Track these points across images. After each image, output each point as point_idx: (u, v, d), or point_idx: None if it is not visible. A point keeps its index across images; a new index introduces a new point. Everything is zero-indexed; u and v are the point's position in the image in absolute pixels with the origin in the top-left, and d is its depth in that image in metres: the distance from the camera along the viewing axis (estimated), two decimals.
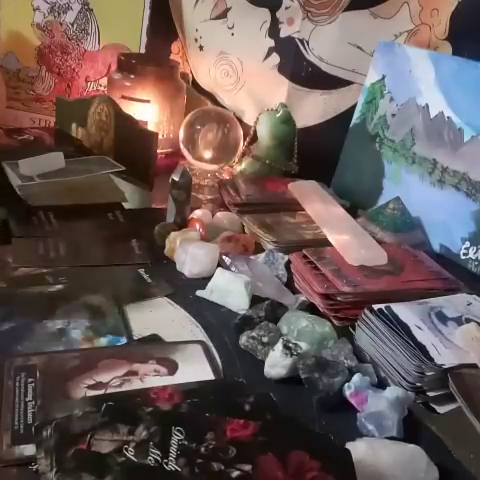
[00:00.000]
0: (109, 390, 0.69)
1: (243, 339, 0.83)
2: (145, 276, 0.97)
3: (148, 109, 1.39)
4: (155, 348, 0.79)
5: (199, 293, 0.93)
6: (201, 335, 0.84)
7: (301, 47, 1.39)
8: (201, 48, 1.52)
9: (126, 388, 0.70)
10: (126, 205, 1.17)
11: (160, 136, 1.29)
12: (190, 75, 1.58)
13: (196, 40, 1.52)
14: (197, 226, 1.07)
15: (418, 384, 0.75)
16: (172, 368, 0.75)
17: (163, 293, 0.93)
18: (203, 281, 0.95)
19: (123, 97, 1.37)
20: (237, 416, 0.59)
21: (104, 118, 1.30)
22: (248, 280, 0.92)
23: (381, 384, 0.77)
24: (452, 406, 0.74)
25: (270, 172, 1.33)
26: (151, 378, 0.73)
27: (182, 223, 1.08)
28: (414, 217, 1.19)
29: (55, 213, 1.09)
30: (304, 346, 0.78)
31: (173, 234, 1.03)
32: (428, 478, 0.63)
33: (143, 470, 0.53)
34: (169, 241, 1.03)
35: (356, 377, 0.75)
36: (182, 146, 1.36)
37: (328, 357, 0.78)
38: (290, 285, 0.99)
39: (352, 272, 0.95)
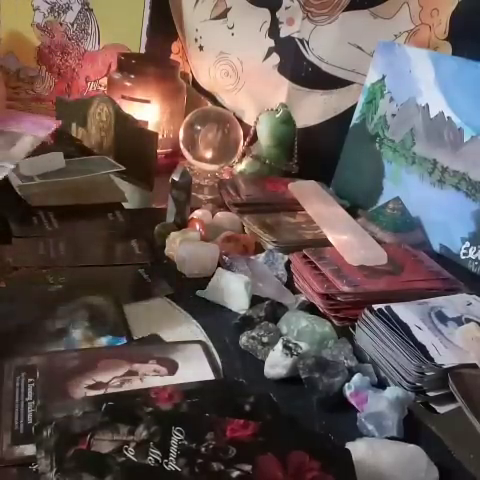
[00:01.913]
0: (109, 390, 0.69)
1: (243, 339, 0.83)
2: (145, 276, 0.97)
3: (148, 109, 1.39)
4: (155, 348, 0.79)
5: (199, 293, 0.93)
6: (201, 335, 0.84)
7: (301, 47, 1.39)
8: (201, 48, 1.52)
9: (126, 388, 0.70)
10: (126, 205, 1.17)
11: (160, 136, 1.29)
12: (190, 75, 1.58)
13: (196, 40, 1.52)
14: (197, 226, 1.07)
15: (418, 384, 0.75)
16: (172, 368, 0.75)
17: (163, 293, 0.93)
18: (203, 281, 0.95)
19: (123, 97, 1.37)
20: (237, 416, 0.59)
21: (104, 118, 1.30)
22: (248, 280, 0.92)
23: (381, 384, 0.77)
24: (452, 406, 0.74)
25: (270, 172, 1.33)
26: (151, 378, 0.73)
27: (182, 223, 1.08)
28: (414, 217, 1.19)
29: (55, 213, 1.09)
30: (304, 346, 0.78)
31: (173, 234, 1.03)
32: (428, 478, 0.63)
33: (143, 470, 0.53)
34: (169, 241, 1.03)
35: (356, 377, 0.75)
36: (182, 146, 1.36)
37: (328, 357, 0.78)
38: (290, 285, 0.99)
39: (352, 272, 0.95)
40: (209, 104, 1.55)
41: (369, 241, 1.07)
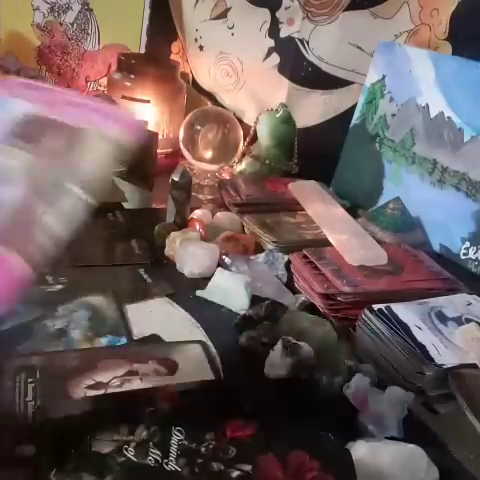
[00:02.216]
0: (109, 390, 0.69)
1: (243, 339, 0.83)
2: (145, 276, 0.97)
3: (148, 109, 1.39)
4: (155, 348, 0.79)
5: (199, 293, 0.93)
6: (201, 335, 0.84)
7: (301, 47, 1.39)
8: (201, 48, 1.52)
9: (126, 388, 0.70)
10: (126, 205, 1.17)
11: (160, 136, 1.29)
12: (190, 75, 1.58)
13: (196, 40, 1.52)
14: (197, 226, 1.07)
15: (418, 384, 0.75)
16: (172, 368, 0.75)
17: (163, 293, 0.93)
18: (203, 281, 0.95)
19: (123, 97, 1.37)
20: (237, 416, 0.59)
21: None
22: (248, 280, 0.92)
23: (381, 384, 0.77)
24: (452, 406, 0.74)
25: (270, 172, 1.33)
26: (151, 378, 0.72)
27: (182, 223, 1.08)
28: (414, 217, 1.19)
29: None
30: (304, 346, 0.78)
31: (173, 234, 1.03)
32: (428, 478, 0.63)
33: (143, 470, 0.53)
34: (169, 241, 1.03)
35: (356, 377, 0.75)
36: (182, 146, 1.36)
37: (328, 357, 0.78)
38: (290, 285, 0.99)
39: (352, 272, 0.95)
40: (209, 104, 1.55)
41: (369, 241, 1.07)
